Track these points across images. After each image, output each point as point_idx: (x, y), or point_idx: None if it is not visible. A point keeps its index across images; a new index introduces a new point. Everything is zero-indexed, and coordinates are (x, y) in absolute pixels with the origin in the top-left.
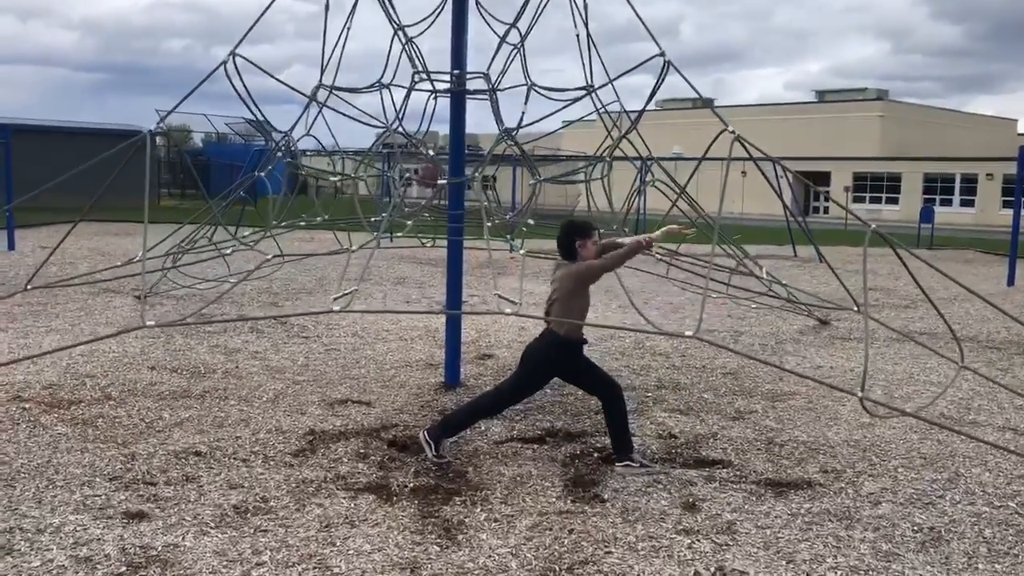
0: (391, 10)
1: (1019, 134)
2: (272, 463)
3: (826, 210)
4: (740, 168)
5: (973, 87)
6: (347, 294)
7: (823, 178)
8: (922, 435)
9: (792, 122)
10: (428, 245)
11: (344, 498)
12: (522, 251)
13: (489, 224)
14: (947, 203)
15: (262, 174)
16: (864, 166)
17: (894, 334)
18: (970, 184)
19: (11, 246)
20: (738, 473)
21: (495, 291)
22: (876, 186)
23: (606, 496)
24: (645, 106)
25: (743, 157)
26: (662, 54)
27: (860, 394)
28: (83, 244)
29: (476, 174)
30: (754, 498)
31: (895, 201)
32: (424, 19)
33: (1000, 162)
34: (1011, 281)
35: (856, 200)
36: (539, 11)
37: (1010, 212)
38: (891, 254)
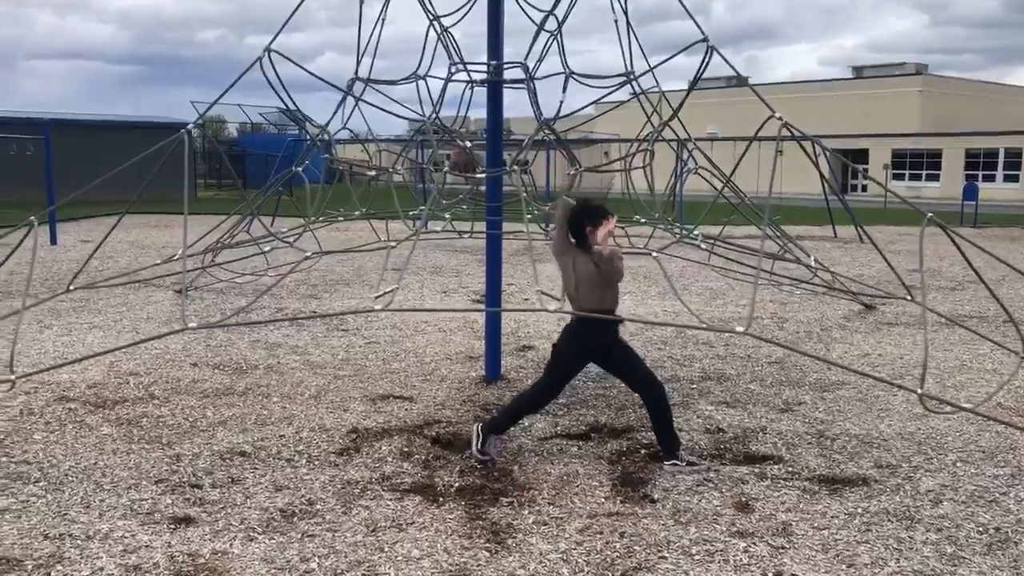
0: (427, 1)
1: None
2: (317, 463)
3: (864, 188)
4: (777, 147)
5: (1015, 59)
6: (388, 292)
7: (861, 156)
8: (979, 427)
9: (828, 99)
10: (466, 236)
11: (390, 500)
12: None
13: (529, 216)
14: (990, 179)
15: (299, 169)
16: (903, 143)
17: (943, 318)
18: (1014, 159)
19: (53, 240)
20: (790, 469)
21: (536, 287)
22: (916, 163)
23: (656, 496)
24: (688, 93)
25: (784, 137)
26: (705, 39)
27: (920, 391)
28: (122, 237)
29: (513, 164)
30: (808, 496)
31: (936, 178)
32: (459, 9)
33: None
34: None
35: (895, 178)
36: None
37: None
38: (936, 234)
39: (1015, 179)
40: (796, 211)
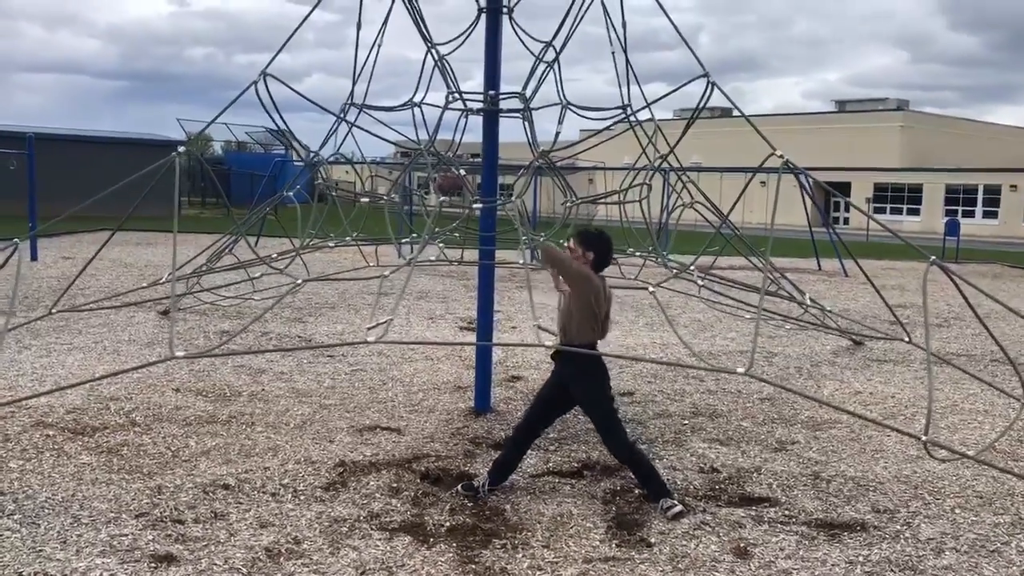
0: (424, 28)
1: None
2: (303, 498)
3: (846, 220)
4: (761, 179)
5: (992, 97)
6: (382, 323)
7: (843, 189)
8: (976, 471)
9: (811, 132)
10: (456, 263)
11: (379, 540)
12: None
13: (524, 246)
14: (969, 214)
15: (290, 193)
16: (885, 177)
17: (932, 356)
18: (993, 195)
19: (34, 256)
20: (787, 513)
21: (532, 320)
22: (897, 197)
23: (652, 539)
24: (688, 127)
25: (774, 169)
26: (706, 74)
27: (924, 438)
28: (104, 255)
29: (509, 198)
30: (807, 542)
31: (916, 212)
32: (456, 38)
33: None
34: None
35: (877, 211)
36: (573, 29)
37: None
38: (921, 268)
39: (994, 215)
40: (780, 243)
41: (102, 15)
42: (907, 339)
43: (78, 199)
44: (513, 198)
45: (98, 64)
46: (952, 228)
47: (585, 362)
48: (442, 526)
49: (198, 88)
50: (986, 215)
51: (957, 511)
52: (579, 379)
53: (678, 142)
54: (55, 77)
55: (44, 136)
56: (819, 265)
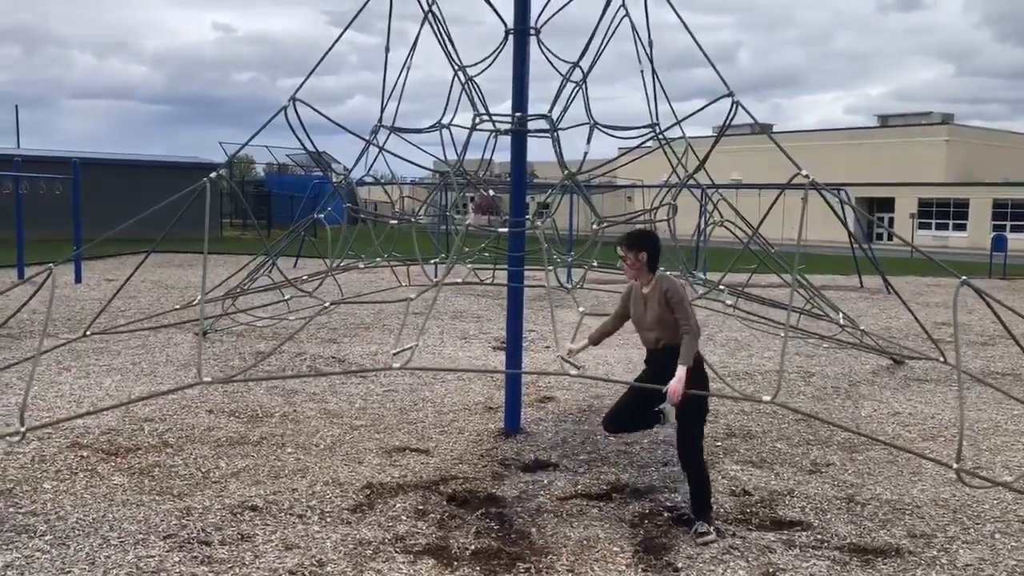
0: (452, 51)
1: None
2: (329, 520)
3: (890, 236)
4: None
5: None
6: (407, 349)
7: (887, 204)
8: (1017, 495)
9: (854, 147)
10: (488, 283)
11: (403, 563)
12: (581, 309)
13: (551, 268)
14: (1018, 229)
15: (321, 216)
16: (930, 192)
17: (972, 377)
18: None
19: (78, 279)
20: (819, 537)
21: (558, 353)
22: (942, 212)
23: (680, 564)
24: (713, 146)
25: (809, 186)
26: (731, 93)
27: (956, 466)
28: (146, 277)
29: (536, 210)
30: (838, 567)
31: (963, 227)
32: (484, 59)
33: None
34: None
35: (922, 227)
36: (601, 49)
37: None
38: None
39: None
40: (821, 260)
41: (150, 42)
42: (942, 359)
43: (124, 223)
44: (543, 220)
45: (146, 89)
46: (999, 243)
47: (698, 358)
48: (467, 549)
49: (243, 111)
50: None
51: (997, 536)
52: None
53: (705, 159)
54: (104, 103)
55: (90, 161)
56: (861, 282)
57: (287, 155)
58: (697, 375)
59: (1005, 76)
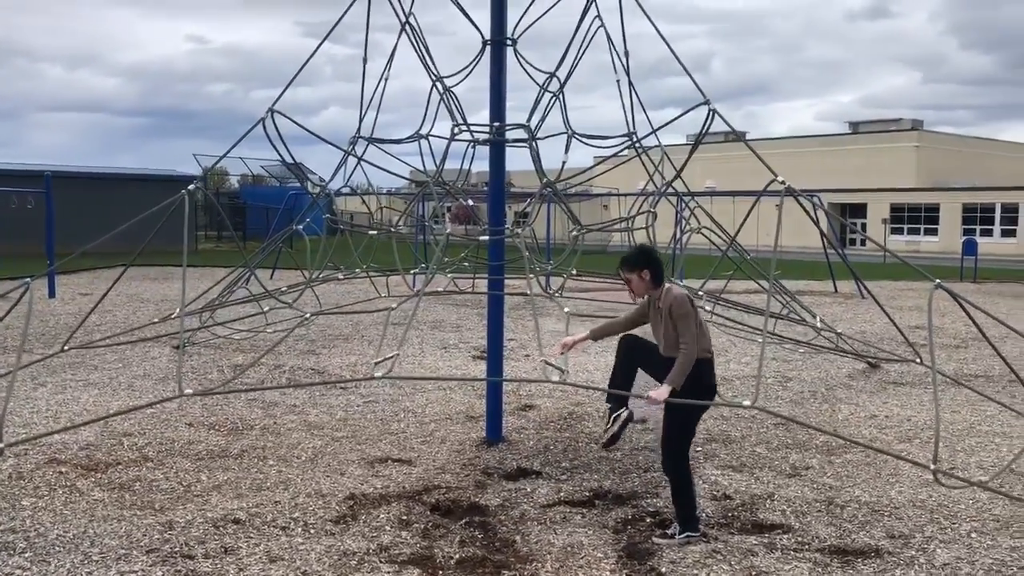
0: (430, 61)
1: None
2: (312, 531)
3: (863, 242)
4: (775, 202)
5: (1007, 115)
6: (389, 358)
7: (859, 210)
8: (992, 495)
9: (826, 154)
10: (464, 293)
11: (388, 573)
12: (566, 309)
13: (532, 276)
14: (987, 233)
15: (300, 227)
16: (901, 197)
17: (948, 379)
18: (1011, 214)
19: (51, 293)
20: (800, 539)
21: (540, 356)
22: (914, 217)
23: (663, 569)
24: (690, 155)
25: (785, 192)
26: (707, 102)
27: (933, 467)
28: (121, 290)
29: (515, 219)
30: (820, 569)
31: (934, 232)
32: (462, 70)
33: None
34: None
35: (894, 232)
36: (577, 59)
37: None
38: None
39: (1012, 233)
40: (795, 265)
41: (123, 55)
42: (919, 360)
43: (97, 237)
44: (523, 228)
45: (118, 102)
46: (970, 248)
47: (697, 373)
48: (451, 558)
49: (217, 123)
50: (1004, 233)
51: (973, 535)
52: (685, 385)
53: (682, 168)
54: (75, 116)
55: (62, 174)
56: (835, 287)
57: (262, 166)
58: (694, 389)
59: (970, 83)
